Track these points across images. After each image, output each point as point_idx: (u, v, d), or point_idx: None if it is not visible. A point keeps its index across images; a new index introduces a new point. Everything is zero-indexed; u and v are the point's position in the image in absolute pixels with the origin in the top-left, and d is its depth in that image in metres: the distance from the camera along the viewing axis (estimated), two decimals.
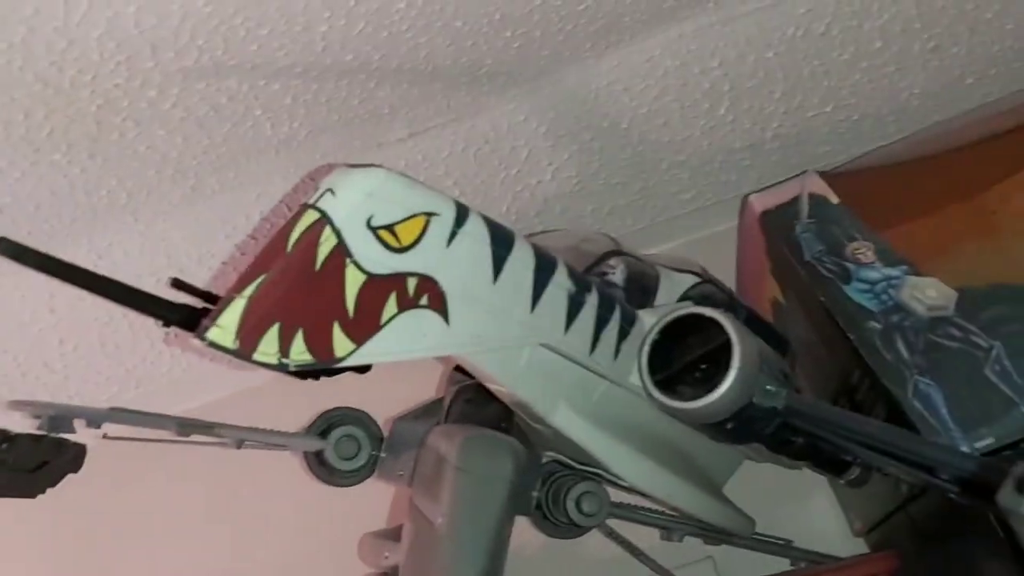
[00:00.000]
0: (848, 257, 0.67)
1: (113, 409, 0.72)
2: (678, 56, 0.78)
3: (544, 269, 0.51)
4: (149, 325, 0.93)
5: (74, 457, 0.74)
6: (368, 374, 0.81)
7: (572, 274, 0.53)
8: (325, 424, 0.64)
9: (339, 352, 0.43)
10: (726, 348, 0.52)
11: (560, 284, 0.52)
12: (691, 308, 0.55)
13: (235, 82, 0.69)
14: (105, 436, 0.71)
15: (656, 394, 0.54)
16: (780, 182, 0.76)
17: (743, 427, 0.53)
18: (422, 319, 0.46)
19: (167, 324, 0.72)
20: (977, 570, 0.58)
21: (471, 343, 0.49)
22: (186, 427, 0.69)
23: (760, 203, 0.74)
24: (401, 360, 0.47)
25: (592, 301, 0.54)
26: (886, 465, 0.49)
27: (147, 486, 0.95)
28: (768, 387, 0.52)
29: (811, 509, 0.82)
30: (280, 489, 0.89)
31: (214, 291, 0.67)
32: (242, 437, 0.66)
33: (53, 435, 0.71)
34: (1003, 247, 0.68)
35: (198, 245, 0.87)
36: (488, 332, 0.49)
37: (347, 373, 0.81)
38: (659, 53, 0.78)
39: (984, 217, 0.72)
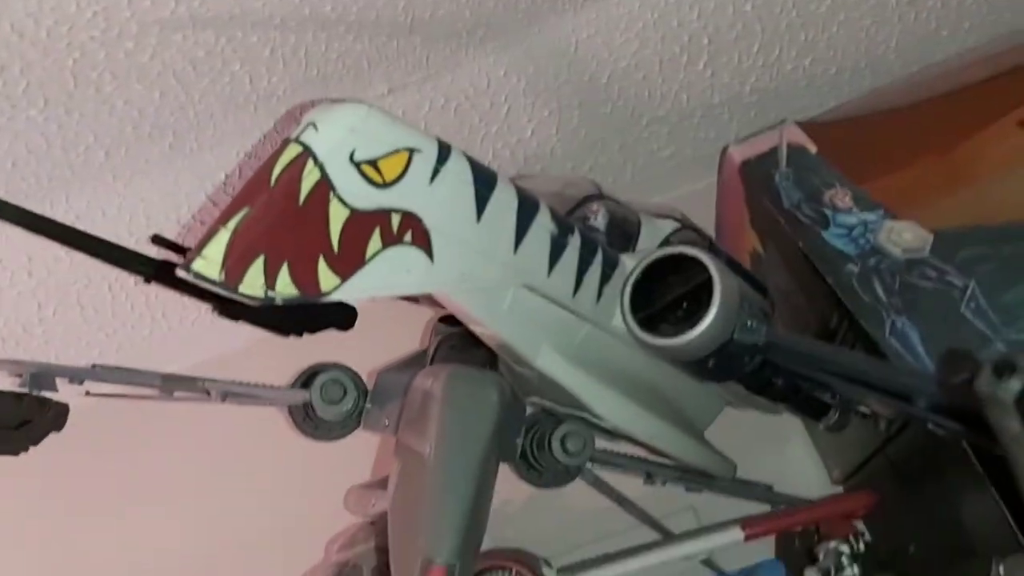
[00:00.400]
0: (826, 204, 0.67)
1: (95, 366, 0.72)
2: (656, 9, 0.78)
3: (527, 210, 0.51)
4: (129, 288, 0.94)
5: (56, 416, 0.74)
6: (351, 336, 0.82)
7: (555, 216, 0.53)
8: (309, 374, 0.65)
9: (325, 286, 0.43)
10: (707, 287, 0.53)
11: (543, 226, 0.52)
12: (673, 248, 0.55)
13: (212, 34, 0.69)
14: (88, 393, 0.71)
15: (639, 332, 0.54)
16: (759, 133, 0.76)
17: (724, 364, 0.54)
18: (407, 255, 0.46)
19: (148, 280, 0.72)
20: (956, 507, 0.59)
21: (455, 281, 0.49)
22: (169, 382, 0.69)
23: (739, 154, 0.75)
24: (386, 295, 0.47)
25: (574, 244, 0.54)
26: (864, 397, 0.50)
27: (132, 448, 0.95)
28: (749, 323, 0.53)
29: (789, 458, 0.83)
30: (265, 448, 0.89)
31: None
32: (227, 391, 0.66)
33: (35, 393, 0.70)
34: (979, 193, 0.69)
35: (177, 206, 0.86)
36: (472, 271, 0.50)
37: (329, 332, 0.82)
38: (638, 6, 0.78)
39: (960, 167, 0.73)
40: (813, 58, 0.85)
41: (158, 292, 0.93)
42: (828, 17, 0.82)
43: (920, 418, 0.49)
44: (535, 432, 0.65)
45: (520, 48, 0.80)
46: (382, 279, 0.45)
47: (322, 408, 0.60)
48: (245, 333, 0.80)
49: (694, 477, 0.70)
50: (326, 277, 0.43)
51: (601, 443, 0.68)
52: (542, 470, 0.66)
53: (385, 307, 0.83)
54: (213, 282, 0.41)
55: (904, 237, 0.63)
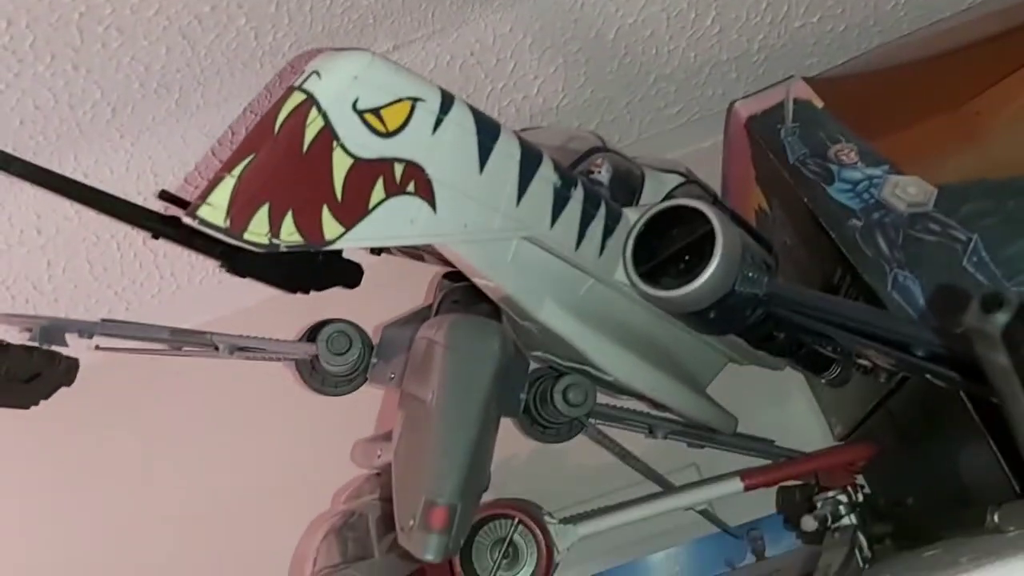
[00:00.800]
0: (831, 159, 0.67)
1: (105, 321, 0.73)
2: None
3: (530, 162, 0.51)
4: (138, 246, 0.94)
5: (66, 370, 0.75)
6: (357, 295, 0.83)
7: (558, 168, 0.53)
8: (315, 329, 0.65)
9: (328, 235, 0.44)
10: (709, 239, 0.53)
11: (546, 178, 0.52)
12: (675, 200, 0.55)
13: None
14: (97, 347, 0.72)
15: (641, 285, 0.54)
16: (766, 88, 0.76)
17: (726, 316, 0.54)
18: (409, 205, 0.46)
19: (156, 236, 0.72)
20: (954, 458, 0.60)
21: (458, 232, 0.50)
22: (178, 336, 0.70)
23: (746, 109, 0.74)
24: (388, 245, 0.47)
25: (578, 196, 0.54)
26: (865, 348, 0.51)
27: (142, 405, 0.96)
28: (750, 274, 0.53)
29: (791, 414, 0.84)
30: (274, 404, 0.91)
31: None
32: (235, 345, 0.67)
33: (45, 347, 0.71)
34: (985, 149, 0.69)
35: (184, 163, 0.87)
36: (475, 222, 0.50)
37: (335, 291, 0.83)
38: None
39: (967, 124, 0.73)
40: (821, 15, 0.84)
41: (166, 250, 0.93)
42: None
43: (918, 368, 0.49)
44: (538, 386, 0.66)
45: (526, 4, 0.80)
46: (385, 228, 0.46)
47: (328, 359, 0.61)
48: (253, 292, 0.81)
49: (696, 432, 0.71)
50: (330, 225, 0.44)
51: (603, 398, 0.69)
52: (546, 424, 0.67)
53: (390, 266, 0.84)
54: (218, 228, 0.41)
55: (908, 192, 0.63)
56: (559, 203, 0.53)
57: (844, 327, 0.51)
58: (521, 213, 0.51)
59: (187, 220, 0.41)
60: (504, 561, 0.59)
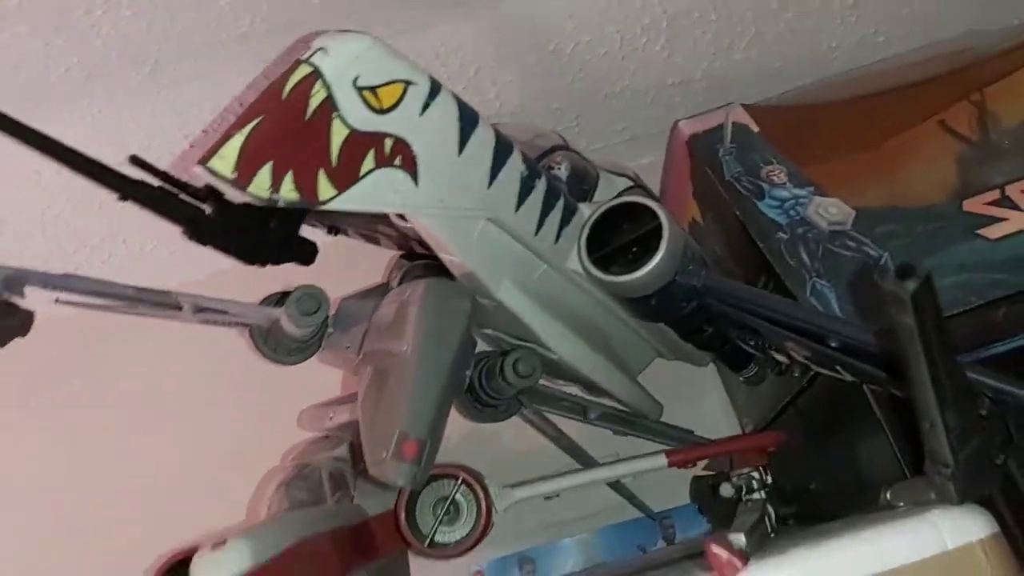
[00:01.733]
0: (763, 178, 0.74)
1: (68, 275, 0.75)
2: None
3: (502, 150, 0.57)
4: (93, 211, 0.96)
5: (23, 322, 0.77)
6: (308, 275, 0.86)
7: (526, 160, 0.59)
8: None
9: (323, 195, 0.48)
10: (655, 235, 0.59)
11: (515, 167, 0.58)
12: (630, 197, 0.61)
13: None
14: (57, 300, 0.74)
15: (593, 270, 0.60)
16: (708, 111, 0.83)
17: (665, 303, 0.60)
18: (395, 177, 0.51)
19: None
20: (854, 448, 0.67)
21: (433, 206, 0.54)
22: (142, 295, 0.73)
23: (689, 128, 0.81)
24: (374, 211, 0.52)
25: (540, 187, 0.60)
26: (786, 339, 0.57)
27: (97, 369, 0.98)
28: (690, 267, 0.59)
29: (707, 411, 0.90)
30: (226, 374, 0.94)
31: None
32: (199, 304, 0.69)
33: (4, 296, 0.73)
34: (900, 182, 0.77)
35: (150, 137, 0.89)
36: (450, 199, 0.55)
37: (286, 268, 0.86)
38: None
39: (886, 161, 0.81)
40: (761, 50, 0.92)
41: (122, 217, 0.95)
42: (777, 14, 0.89)
43: (830, 359, 0.56)
44: (484, 365, 0.70)
45: (491, 12, 0.85)
46: (372, 195, 0.50)
47: (296, 320, 0.64)
48: (202, 264, 0.84)
49: (624, 415, 0.76)
50: (324, 187, 0.48)
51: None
52: (487, 401, 0.71)
53: (340, 250, 0.88)
54: (225, 179, 0.45)
55: (830, 211, 0.70)
56: (524, 191, 0.58)
57: (769, 319, 0.57)
58: (491, 196, 0.57)
59: (196, 169, 0.45)
60: (446, 518, 0.63)
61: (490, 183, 0.56)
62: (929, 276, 0.32)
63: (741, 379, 0.76)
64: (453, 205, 0.55)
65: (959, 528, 0.47)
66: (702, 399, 0.91)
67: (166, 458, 0.93)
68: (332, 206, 0.49)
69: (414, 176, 0.52)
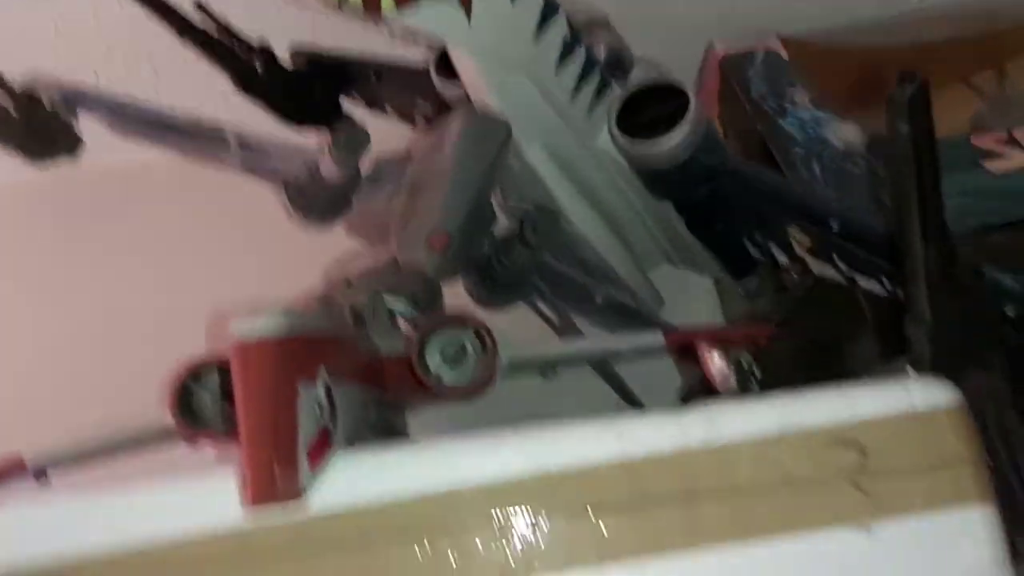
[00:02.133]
0: (787, 99, 0.78)
1: (123, 102, 0.79)
2: None
3: (550, 8, 0.60)
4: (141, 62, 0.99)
5: (73, 144, 0.81)
6: None
7: (570, 23, 0.62)
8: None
9: (385, 8, 0.52)
10: (681, 113, 0.63)
11: (560, 27, 0.61)
12: (664, 77, 0.65)
13: None
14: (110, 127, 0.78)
15: (620, 138, 0.63)
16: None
17: (684, 180, 0.64)
18: (450, 9, 0.55)
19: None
20: (839, 344, 0.71)
21: (481, 49, 0.58)
22: (191, 125, 0.77)
23: (723, 47, 0.85)
24: (427, 34, 0.56)
25: (580, 54, 0.63)
26: (792, 222, 0.61)
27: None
28: (713, 147, 0.63)
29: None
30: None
31: None
32: (243, 139, 0.73)
33: (60, 111, 0.78)
34: None
35: None
36: (497, 45, 0.59)
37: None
38: None
39: None
40: None
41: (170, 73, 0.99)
42: None
43: (831, 248, 0.60)
44: (500, 242, 0.73)
45: None
46: (428, 21, 0.55)
47: (336, 156, 0.68)
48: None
49: (629, 309, 0.79)
50: (388, 3, 0.52)
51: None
52: (500, 278, 0.74)
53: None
54: None
55: (846, 133, 0.75)
56: (566, 52, 0.62)
57: (778, 198, 0.61)
58: (535, 51, 0.60)
59: None
60: (452, 362, 0.65)
61: (537, 38, 0.60)
62: (925, 81, 0.36)
63: (741, 291, 0.80)
64: (499, 53, 0.59)
65: (929, 392, 0.50)
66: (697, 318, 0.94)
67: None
68: (391, 19, 0.52)
69: (468, 14, 0.56)
